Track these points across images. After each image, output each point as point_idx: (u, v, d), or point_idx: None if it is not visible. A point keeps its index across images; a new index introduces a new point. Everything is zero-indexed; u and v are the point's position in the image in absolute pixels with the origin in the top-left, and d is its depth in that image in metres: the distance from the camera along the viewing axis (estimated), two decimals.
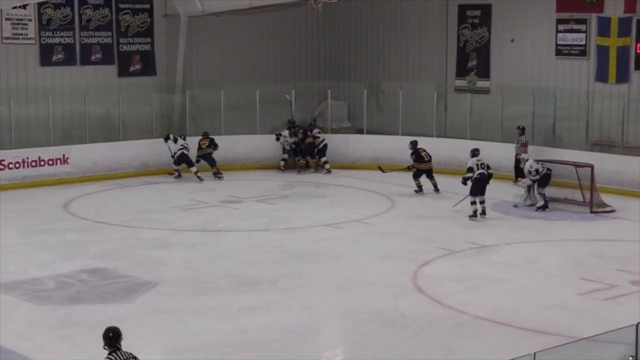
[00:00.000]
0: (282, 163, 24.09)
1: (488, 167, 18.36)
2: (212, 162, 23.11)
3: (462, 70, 25.84)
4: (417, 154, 20.94)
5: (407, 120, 25.30)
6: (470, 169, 18.28)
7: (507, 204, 19.48)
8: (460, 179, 18.78)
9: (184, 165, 22.82)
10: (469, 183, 18.30)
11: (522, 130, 21.86)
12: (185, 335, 11.27)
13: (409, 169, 21.05)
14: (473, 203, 18.09)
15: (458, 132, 24.74)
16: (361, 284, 13.57)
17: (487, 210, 18.27)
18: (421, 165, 20.87)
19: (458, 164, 23.31)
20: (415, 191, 20.73)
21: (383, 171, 21.58)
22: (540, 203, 18.76)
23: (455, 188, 19.62)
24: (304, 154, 24.04)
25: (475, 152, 18.69)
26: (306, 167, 24.00)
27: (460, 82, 25.85)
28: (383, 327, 11.63)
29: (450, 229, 17.33)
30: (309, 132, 24.14)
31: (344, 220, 18.01)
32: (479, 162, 18.34)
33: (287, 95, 25.50)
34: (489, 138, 23.67)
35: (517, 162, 21.04)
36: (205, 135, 23.44)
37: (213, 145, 23.15)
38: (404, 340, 11.22)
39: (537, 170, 18.93)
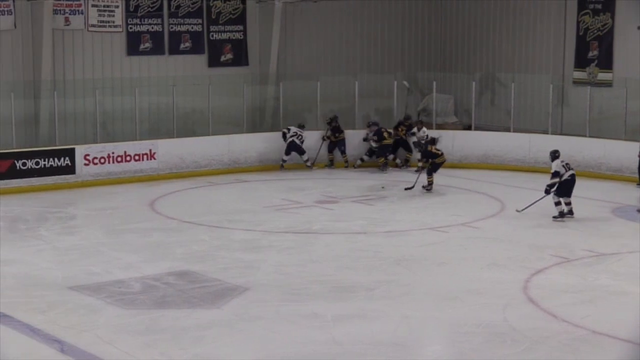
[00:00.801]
0: (358, 162, 24.60)
1: (571, 167, 18.27)
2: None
3: (581, 61, 25.44)
4: (425, 151, 21.36)
5: (519, 115, 25.07)
6: (556, 174, 18.05)
7: (631, 208, 19.12)
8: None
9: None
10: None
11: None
12: (276, 345, 11.37)
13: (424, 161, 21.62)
14: (558, 204, 18.00)
15: (576, 128, 24.38)
16: (467, 294, 13.48)
17: (608, 215, 17.98)
18: (437, 160, 21.28)
19: (576, 164, 22.93)
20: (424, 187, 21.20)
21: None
22: None
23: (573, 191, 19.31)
24: (380, 153, 24.21)
25: (556, 154, 18.40)
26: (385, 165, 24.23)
27: (580, 74, 25.45)
28: (491, 341, 11.53)
29: (566, 235, 17.09)
30: (385, 133, 24.16)
31: (448, 223, 17.93)
32: (564, 164, 18.18)
33: (405, 82, 25.64)
34: (611, 136, 23.33)
35: None
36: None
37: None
38: (515, 355, 11.11)
39: None
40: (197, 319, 12.26)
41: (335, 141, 24.51)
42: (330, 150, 24.56)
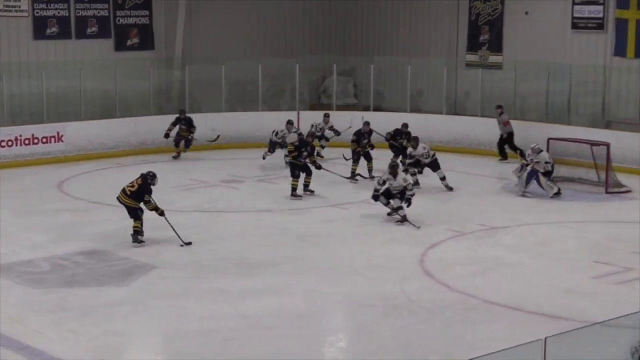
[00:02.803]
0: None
1: None
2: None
3: (473, 45, 25.84)
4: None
5: (415, 96, 25.31)
6: None
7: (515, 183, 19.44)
8: (468, 159, 18.78)
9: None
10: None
11: (502, 109, 22.27)
12: (184, 320, 11.35)
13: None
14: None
15: (469, 109, 24.78)
16: (367, 268, 13.64)
17: (498, 190, 18.52)
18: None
19: (469, 142, 23.39)
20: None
21: (346, 158, 20.90)
22: (554, 190, 18.49)
23: (466, 167, 19.67)
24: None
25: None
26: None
27: (472, 57, 25.85)
28: (389, 312, 11.70)
29: (459, 210, 17.38)
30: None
31: (349, 201, 18.05)
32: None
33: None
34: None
35: (502, 140, 21.95)
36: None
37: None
38: (411, 325, 11.30)
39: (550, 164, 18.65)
40: (106, 296, 12.16)
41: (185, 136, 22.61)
42: (177, 143, 22.68)
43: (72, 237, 15.20)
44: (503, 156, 22.20)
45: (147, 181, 14.75)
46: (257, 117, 24.71)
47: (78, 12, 24.50)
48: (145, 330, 11.23)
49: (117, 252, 14.24)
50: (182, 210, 17.22)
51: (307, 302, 12.17)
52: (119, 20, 25.24)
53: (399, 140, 20.72)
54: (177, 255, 14.26)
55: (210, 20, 26.72)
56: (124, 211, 17.02)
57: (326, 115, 22.93)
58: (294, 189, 18.26)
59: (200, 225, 16.23)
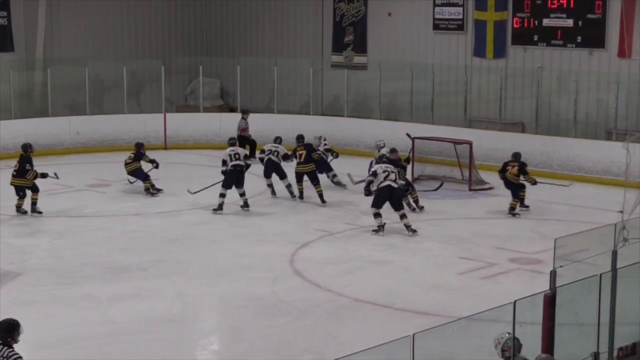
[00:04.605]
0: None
1: (239, 158, 17.34)
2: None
3: (338, 46, 26.14)
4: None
5: (282, 97, 25.45)
6: (224, 162, 17.29)
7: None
8: (334, 157, 19.01)
9: None
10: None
11: (246, 113, 22.84)
12: (51, 328, 11.15)
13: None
14: (222, 195, 17.23)
15: (335, 109, 25.06)
16: (237, 269, 13.67)
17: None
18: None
19: (336, 142, 23.59)
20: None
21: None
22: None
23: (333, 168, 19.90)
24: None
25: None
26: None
27: (337, 58, 26.15)
28: (261, 313, 11.76)
29: (328, 211, 17.55)
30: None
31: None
32: (234, 153, 17.42)
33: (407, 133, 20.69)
34: (367, 115, 24.14)
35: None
36: None
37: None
38: (283, 325, 11.38)
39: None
40: None
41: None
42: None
43: None
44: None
45: (25, 154, 17.11)
46: (123, 119, 24.39)
47: None
48: None
49: None
50: (47, 215, 16.89)
51: (177, 306, 12.13)
52: None
53: None
54: (43, 262, 13.99)
55: (72, 20, 26.25)
56: None
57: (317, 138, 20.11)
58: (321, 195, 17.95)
59: (65, 230, 15.95)
